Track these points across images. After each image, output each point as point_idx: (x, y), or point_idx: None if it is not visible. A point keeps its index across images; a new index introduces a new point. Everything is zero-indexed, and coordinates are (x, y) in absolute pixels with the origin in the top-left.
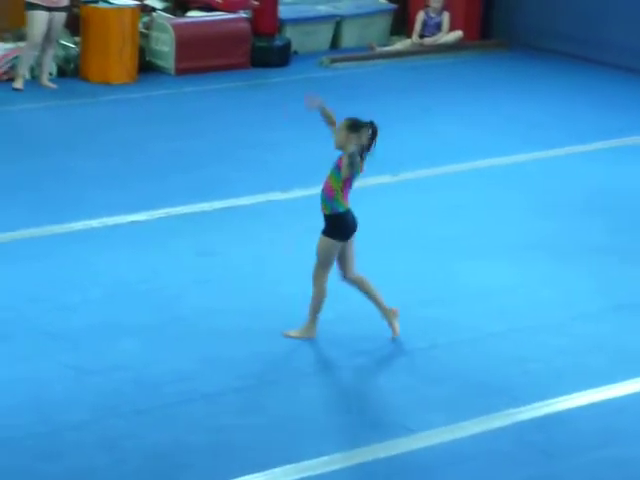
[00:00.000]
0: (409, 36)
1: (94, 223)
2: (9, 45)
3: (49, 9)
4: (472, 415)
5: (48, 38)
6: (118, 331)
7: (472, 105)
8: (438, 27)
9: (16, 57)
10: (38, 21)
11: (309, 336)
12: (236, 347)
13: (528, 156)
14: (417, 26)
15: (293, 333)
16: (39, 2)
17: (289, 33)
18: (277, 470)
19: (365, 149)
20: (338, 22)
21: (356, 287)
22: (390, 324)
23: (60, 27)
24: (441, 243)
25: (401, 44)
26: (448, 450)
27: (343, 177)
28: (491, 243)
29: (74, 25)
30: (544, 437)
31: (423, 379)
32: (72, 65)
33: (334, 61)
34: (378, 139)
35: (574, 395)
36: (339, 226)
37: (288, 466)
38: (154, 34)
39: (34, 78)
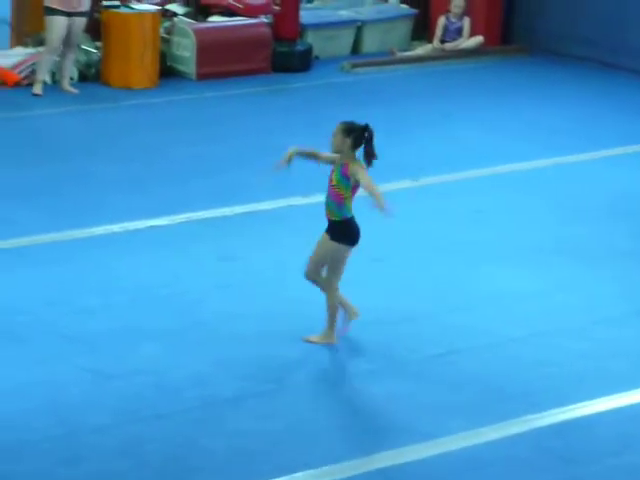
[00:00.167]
0: (430, 41)
1: (115, 228)
2: (29, 50)
3: (69, 14)
4: (490, 421)
5: (68, 43)
6: (138, 335)
7: (493, 110)
8: (459, 32)
9: (35, 62)
10: (57, 26)
11: (330, 342)
12: (256, 352)
13: (549, 161)
14: (438, 31)
15: (314, 339)
16: (58, 7)
17: (310, 38)
18: (297, 475)
19: (370, 155)
20: (359, 27)
21: (316, 285)
22: (350, 319)
23: (80, 32)
24: (462, 248)
25: (422, 49)
26: (466, 456)
27: (362, 184)
28: (512, 248)
29: (95, 30)
30: (563, 443)
31: (442, 384)
32: (93, 70)
33: (355, 66)
34: (398, 144)
35: (594, 401)
36: (349, 231)
37: (308, 471)
38: (175, 39)
39: (55, 83)
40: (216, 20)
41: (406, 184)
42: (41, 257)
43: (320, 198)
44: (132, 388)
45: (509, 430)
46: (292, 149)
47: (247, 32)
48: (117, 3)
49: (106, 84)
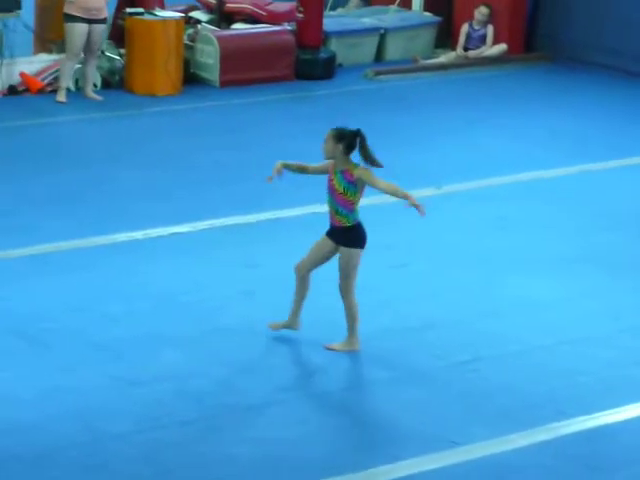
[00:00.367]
0: (453, 49)
1: (137, 235)
2: (53, 56)
3: (88, 21)
4: (517, 428)
5: (89, 50)
6: (161, 342)
7: (516, 118)
8: (482, 40)
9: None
10: (77, 33)
11: (352, 349)
12: (279, 359)
13: (573, 169)
14: (461, 39)
15: (336, 346)
16: (78, 14)
17: (334, 46)
18: None
19: (368, 158)
20: (382, 35)
21: (298, 282)
22: (285, 325)
23: (99, 39)
24: (486, 255)
25: (445, 57)
26: (492, 464)
27: (381, 189)
28: (536, 255)
29: (119, 37)
30: (589, 451)
31: (469, 392)
32: (117, 77)
33: (378, 74)
34: (422, 152)
35: (620, 408)
36: (361, 234)
37: (331, 478)
38: (199, 46)
39: (79, 90)
40: (239, 27)
41: (430, 191)
42: (64, 264)
43: None
44: (155, 395)
45: (535, 438)
46: (280, 162)
47: (270, 39)
48: (141, 10)
49: (130, 91)
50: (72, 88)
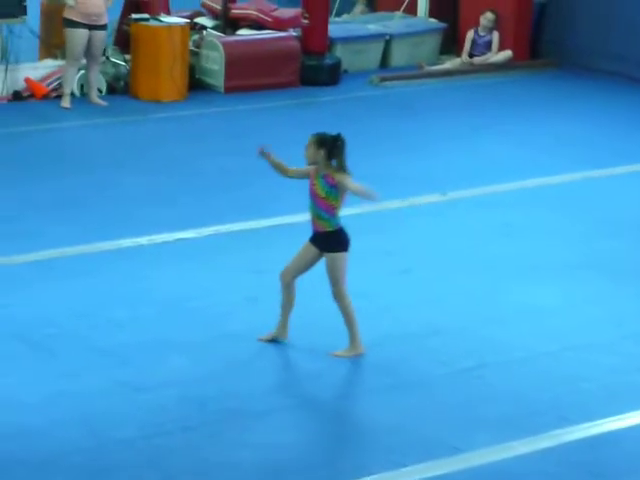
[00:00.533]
0: (459, 55)
1: (142, 240)
2: (58, 62)
3: (89, 27)
4: (520, 435)
5: (91, 55)
6: (166, 348)
7: (521, 124)
8: (488, 46)
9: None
10: (77, 38)
11: (357, 353)
12: (282, 365)
13: (578, 175)
14: (467, 45)
15: (340, 353)
16: (78, 19)
17: (339, 52)
18: None
19: (339, 164)
20: (388, 41)
21: (284, 290)
22: (274, 336)
23: (101, 45)
24: (490, 262)
25: (450, 63)
26: (495, 470)
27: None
28: (541, 262)
29: (124, 43)
30: (592, 458)
31: (472, 398)
32: (122, 83)
33: (384, 80)
34: (427, 158)
35: (624, 415)
36: (343, 238)
37: None
38: (204, 52)
39: (84, 95)
40: (245, 33)
41: (434, 198)
42: (69, 269)
43: (349, 212)
44: (159, 400)
45: (538, 444)
46: (269, 153)
47: (276, 45)
48: (146, 16)
49: (135, 97)
50: (77, 94)
